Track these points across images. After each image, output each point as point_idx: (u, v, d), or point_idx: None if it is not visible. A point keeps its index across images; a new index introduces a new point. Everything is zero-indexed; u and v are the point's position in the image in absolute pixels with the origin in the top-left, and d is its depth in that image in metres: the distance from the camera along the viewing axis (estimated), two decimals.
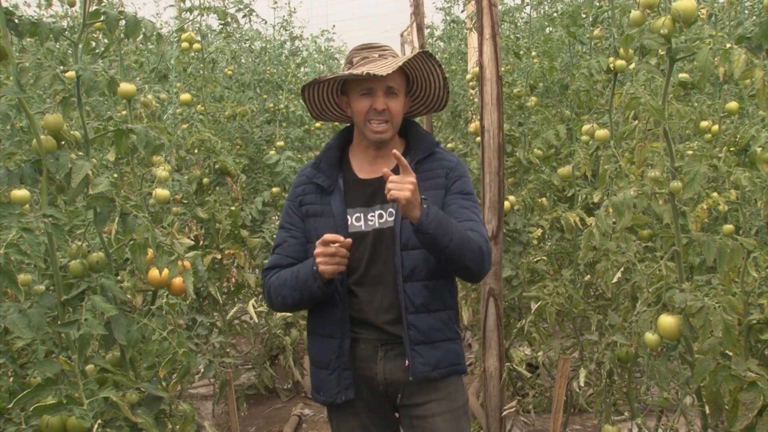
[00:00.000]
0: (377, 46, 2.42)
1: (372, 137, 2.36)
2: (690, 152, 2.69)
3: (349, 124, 2.54)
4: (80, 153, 2.09)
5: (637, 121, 2.57)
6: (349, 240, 2.24)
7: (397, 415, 2.48)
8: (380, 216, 2.36)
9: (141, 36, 2.18)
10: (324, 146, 2.54)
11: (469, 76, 4.62)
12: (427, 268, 2.31)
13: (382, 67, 2.28)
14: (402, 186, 2.11)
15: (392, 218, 2.35)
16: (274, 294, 2.39)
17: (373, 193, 2.38)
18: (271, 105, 5.77)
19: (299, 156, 5.36)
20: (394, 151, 2.16)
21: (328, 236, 2.21)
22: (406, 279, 2.31)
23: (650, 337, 2.24)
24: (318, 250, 2.22)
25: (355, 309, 2.35)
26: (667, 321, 2.19)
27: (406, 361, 2.31)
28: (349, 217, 2.37)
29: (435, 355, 2.31)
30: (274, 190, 4.98)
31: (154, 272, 2.16)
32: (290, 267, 2.37)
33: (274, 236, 4.60)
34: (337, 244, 2.20)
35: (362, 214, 2.37)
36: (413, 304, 2.30)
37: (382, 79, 2.30)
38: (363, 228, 2.36)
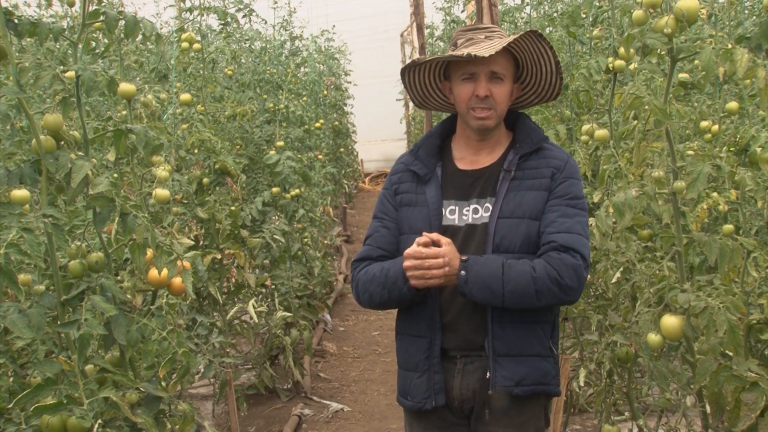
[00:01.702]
0: (484, 27, 2.26)
1: (474, 124, 2.20)
2: (690, 152, 2.68)
3: (452, 114, 2.37)
4: (80, 153, 2.09)
5: (636, 121, 2.57)
6: (437, 249, 2.06)
7: None
8: (475, 211, 2.19)
9: (140, 36, 2.18)
10: (424, 134, 2.38)
11: None
12: None
13: (485, 49, 2.10)
14: (423, 272, 2.02)
15: (488, 214, 2.17)
16: (362, 289, 2.24)
17: (471, 186, 2.23)
18: (271, 105, 5.77)
19: (299, 156, 5.35)
20: (425, 234, 2.04)
21: (422, 238, 2.07)
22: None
23: (653, 337, 2.23)
24: (408, 263, 2.08)
25: (441, 310, 2.20)
26: (670, 321, 2.18)
27: (488, 374, 2.14)
28: (443, 209, 2.22)
29: (519, 370, 2.12)
30: (274, 190, 4.98)
31: (153, 272, 2.16)
32: (380, 259, 2.24)
33: (274, 236, 4.66)
34: (430, 258, 2.05)
35: (457, 207, 2.21)
36: (500, 312, 2.12)
37: (485, 63, 2.12)
38: (456, 222, 2.19)
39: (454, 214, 2.21)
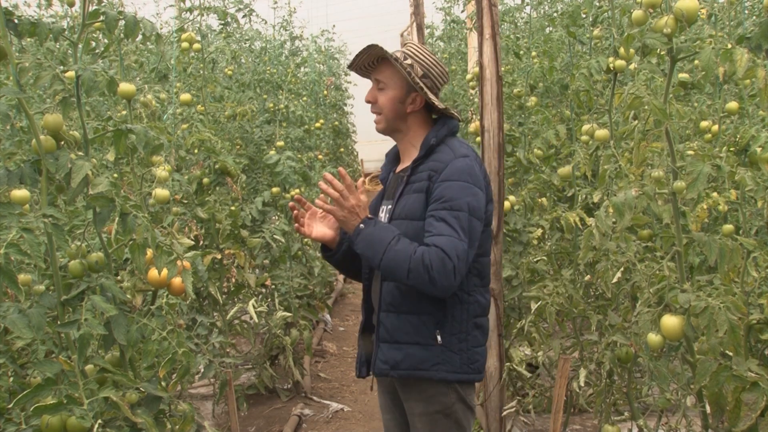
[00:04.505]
0: (404, 45, 2.52)
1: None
2: (690, 152, 2.68)
3: None
4: (80, 153, 2.09)
5: (636, 121, 2.57)
6: (298, 197, 2.45)
7: None
8: (389, 212, 2.45)
9: (140, 36, 2.18)
10: None
11: (469, 76, 4.62)
12: None
13: (354, 61, 2.44)
14: (341, 208, 2.29)
15: (387, 216, 2.45)
16: None
17: (391, 188, 2.51)
18: (271, 105, 5.77)
19: (299, 156, 5.35)
20: (339, 168, 2.39)
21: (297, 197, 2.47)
22: (384, 277, 2.38)
23: (653, 337, 2.23)
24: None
25: (370, 296, 2.52)
26: (671, 321, 2.19)
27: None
28: (382, 207, 2.51)
29: (394, 355, 2.35)
30: (274, 190, 4.98)
31: (153, 272, 2.16)
32: None
33: (274, 236, 4.66)
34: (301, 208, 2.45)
35: (384, 207, 2.50)
36: (385, 301, 2.38)
37: (373, 72, 2.45)
38: (384, 220, 2.46)
39: (383, 212, 2.50)
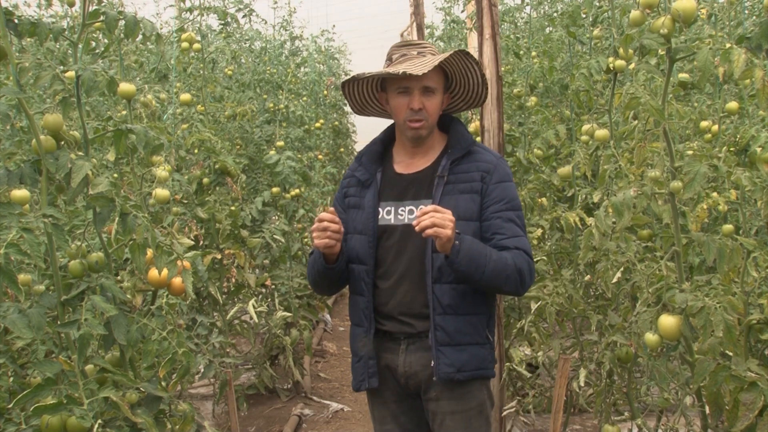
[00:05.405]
0: (417, 44, 2.44)
1: (409, 134, 2.40)
2: (690, 152, 2.68)
3: (394, 122, 2.55)
4: (80, 153, 2.09)
5: (636, 121, 2.57)
6: (331, 216, 2.29)
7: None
8: (411, 212, 2.37)
9: (140, 36, 2.18)
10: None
11: None
12: None
13: (418, 66, 2.29)
14: (444, 223, 2.13)
15: None
16: (308, 274, 2.54)
17: (406, 188, 2.42)
18: (271, 105, 5.77)
19: (299, 156, 5.35)
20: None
21: (322, 215, 2.29)
22: (435, 280, 2.32)
23: (650, 337, 2.24)
24: (313, 226, 2.33)
25: (380, 301, 2.40)
26: (668, 321, 2.19)
27: (432, 361, 2.33)
28: (380, 210, 2.41)
29: (460, 358, 2.32)
30: (274, 190, 4.98)
31: (153, 272, 2.17)
32: None
33: (274, 236, 4.66)
34: (325, 222, 2.28)
35: (393, 208, 2.41)
36: (441, 305, 2.31)
37: (418, 78, 2.32)
38: (392, 222, 2.39)
39: (390, 214, 2.40)
